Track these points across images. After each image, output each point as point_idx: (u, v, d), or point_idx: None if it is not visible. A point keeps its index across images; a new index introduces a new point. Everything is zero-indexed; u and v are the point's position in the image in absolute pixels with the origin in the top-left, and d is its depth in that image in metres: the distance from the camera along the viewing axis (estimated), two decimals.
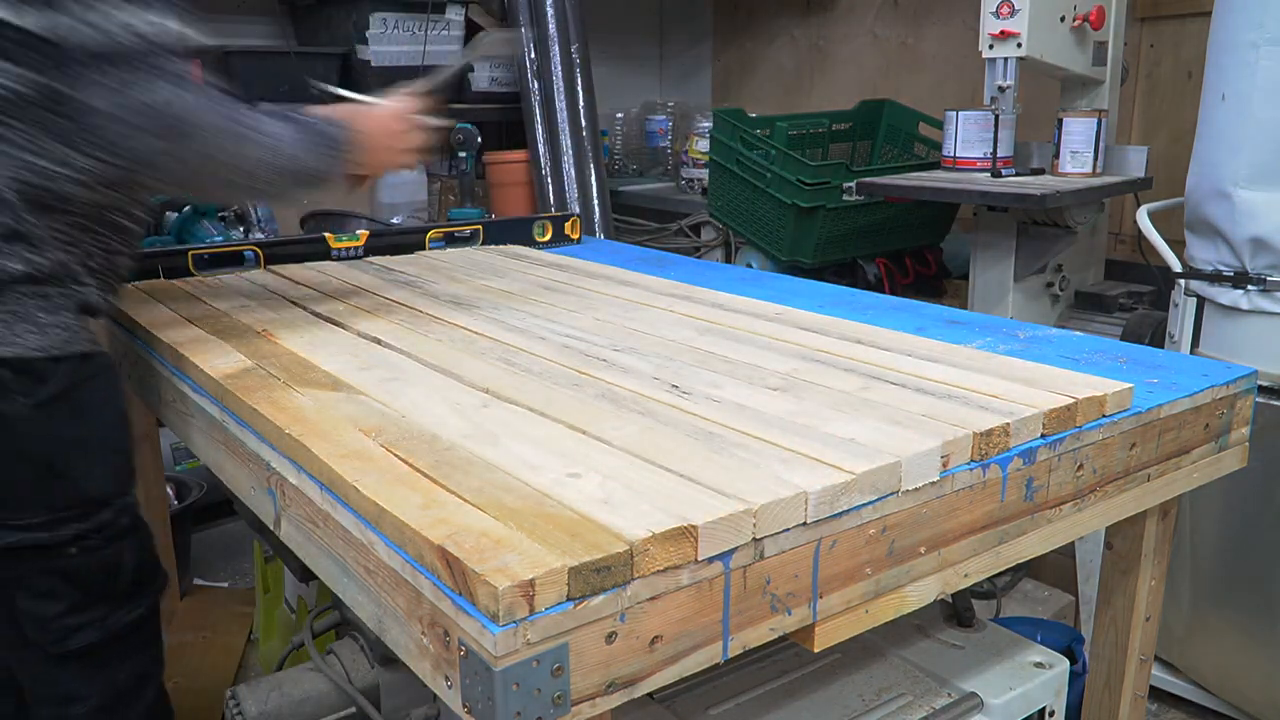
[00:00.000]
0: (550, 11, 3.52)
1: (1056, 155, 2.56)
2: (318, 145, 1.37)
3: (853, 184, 2.72)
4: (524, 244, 2.35)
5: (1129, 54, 2.82)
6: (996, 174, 2.57)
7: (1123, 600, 1.47)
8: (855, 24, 3.81)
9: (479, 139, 2.39)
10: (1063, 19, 2.44)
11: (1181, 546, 2.19)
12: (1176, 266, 2.18)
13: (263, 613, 2.30)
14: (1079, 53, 2.51)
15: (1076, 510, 1.19)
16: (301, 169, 1.36)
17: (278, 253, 2.05)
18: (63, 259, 1.31)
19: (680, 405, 1.17)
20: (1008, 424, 1.09)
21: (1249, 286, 2.00)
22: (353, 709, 1.43)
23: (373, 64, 3.20)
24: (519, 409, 1.17)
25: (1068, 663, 1.45)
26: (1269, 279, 1.97)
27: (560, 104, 3.54)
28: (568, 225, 2.38)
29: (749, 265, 3.10)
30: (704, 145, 3.56)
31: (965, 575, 1.10)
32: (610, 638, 0.82)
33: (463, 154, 2.37)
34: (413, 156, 1.49)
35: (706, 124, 3.56)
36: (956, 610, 1.52)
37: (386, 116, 1.49)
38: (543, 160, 3.52)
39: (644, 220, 3.81)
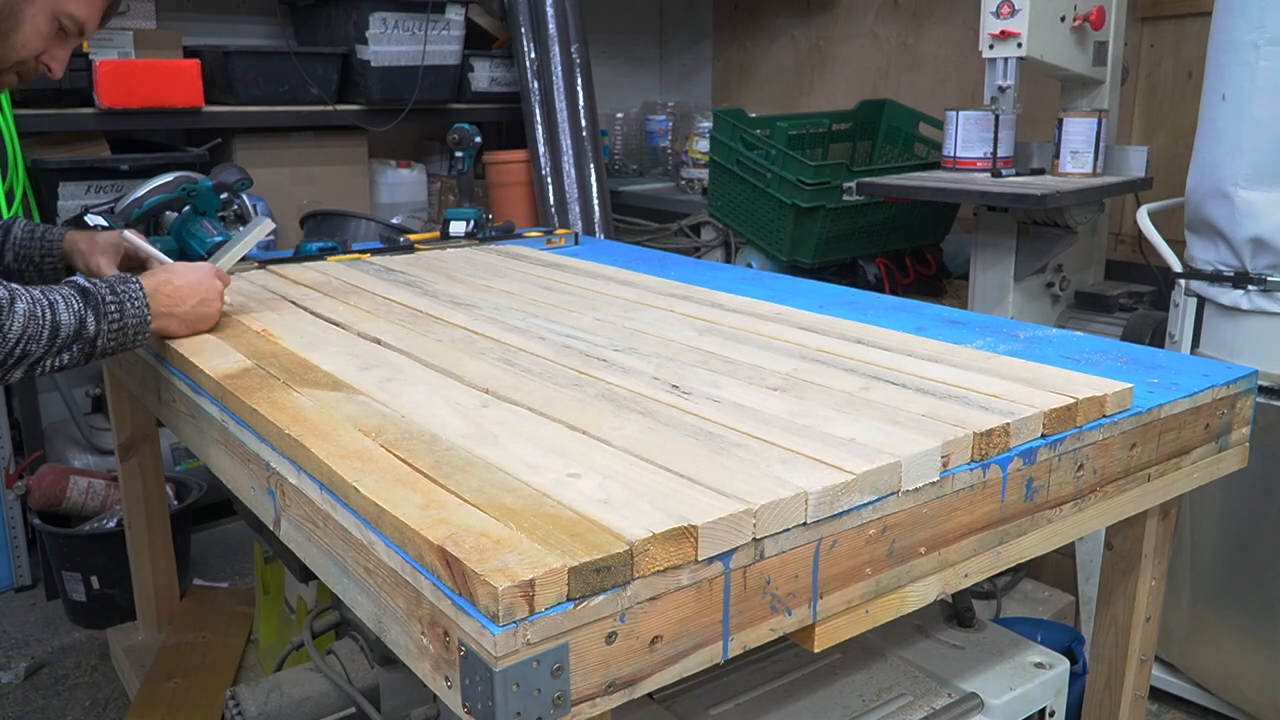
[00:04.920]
0: (550, 11, 3.52)
1: (1056, 155, 2.56)
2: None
3: (853, 184, 2.72)
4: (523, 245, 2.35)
5: (1129, 54, 2.82)
6: (996, 174, 2.57)
7: (1123, 600, 1.47)
8: (855, 24, 3.81)
9: (478, 139, 2.38)
10: (1063, 19, 2.43)
11: (1181, 546, 2.19)
12: (1177, 266, 2.18)
13: (263, 613, 2.30)
14: (1079, 53, 2.50)
15: (1077, 510, 1.19)
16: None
17: None
18: None
19: (680, 405, 1.17)
20: (1008, 424, 1.09)
21: (1249, 286, 2.00)
22: (353, 709, 1.43)
23: (372, 64, 3.20)
24: (519, 409, 1.17)
25: (1068, 663, 1.45)
26: (1269, 279, 1.97)
27: (560, 104, 3.54)
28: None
29: (749, 265, 3.10)
30: (704, 145, 3.56)
31: (965, 575, 1.10)
32: (610, 638, 0.82)
33: (460, 154, 2.36)
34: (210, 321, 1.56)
35: (706, 124, 3.56)
36: (956, 610, 1.52)
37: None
38: (543, 160, 3.52)
39: (644, 220, 3.81)
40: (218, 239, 1.97)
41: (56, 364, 1.36)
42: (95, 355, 1.39)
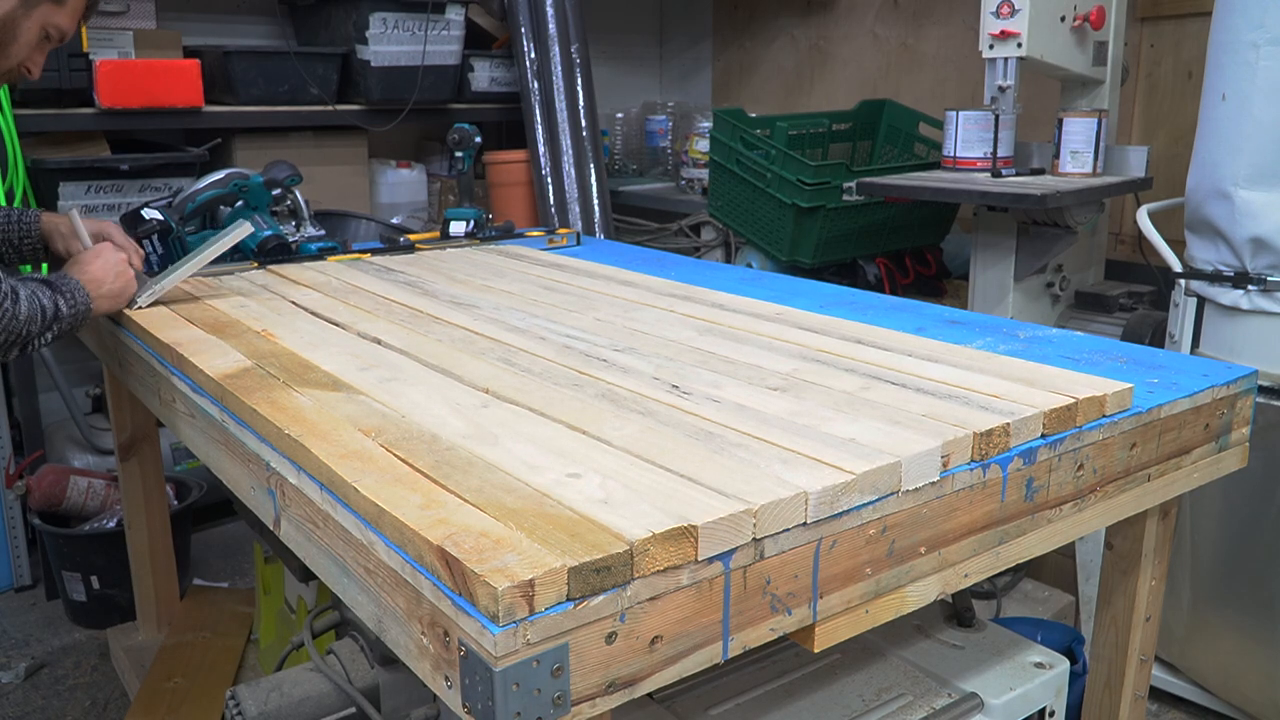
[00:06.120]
0: (550, 11, 3.52)
1: (1056, 155, 2.56)
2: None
3: (853, 184, 2.72)
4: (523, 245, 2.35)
5: (1129, 54, 2.82)
6: (996, 174, 2.57)
7: (1123, 600, 1.47)
8: (855, 24, 3.81)
9: (477, 138, 2.39)
10: (1063, 19, 2.43)
11: (1181, 546, 2.19)
12: (1177, 266, 2.18)
13: (263, 613, 2.30)
14: (1079, 53, 2.51)
15: (1077, 510, 1.19)
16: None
17: None
18: None
19: (680, 405, 1.17)
20: (1008, 424, 1.09)
21: (1249, 286, 2.00)
22: (353, 709, 1.43)
23: (372, 64, 3.20)
24: (519, 409, 1.17)
25: (1068, 663, 1.45)
26: (1269, 279, 1.97)
27: (560, 104, 3.54)
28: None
29: (749, 265, 3.10)
30: (704, 145, 3.56)
31: (965, 575, 1.10)
32: (610, 638, 0.82)
33: (460, 154, 2.37)
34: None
35: (706, 124, 3.56)
36: (956, 610, 1.52)
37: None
38: (543, 160, 3.52)
39: (644, 220, 3.81)
40: (268, 232, 2.06)
41: (42, 342, 1.54)
42: (59, 336, 1.57)
